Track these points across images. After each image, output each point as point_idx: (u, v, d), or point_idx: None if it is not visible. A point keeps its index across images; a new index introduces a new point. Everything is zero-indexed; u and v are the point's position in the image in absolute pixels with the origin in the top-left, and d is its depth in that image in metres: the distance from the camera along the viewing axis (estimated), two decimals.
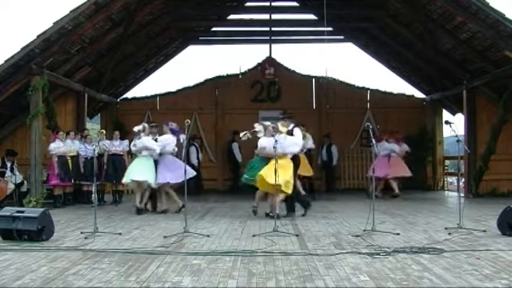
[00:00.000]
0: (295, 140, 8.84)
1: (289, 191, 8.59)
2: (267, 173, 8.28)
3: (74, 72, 12.78)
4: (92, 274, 4.83)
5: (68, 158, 11.19)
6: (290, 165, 8.70)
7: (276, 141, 7.73)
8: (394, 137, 12.88)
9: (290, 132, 8.88)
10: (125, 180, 9.99)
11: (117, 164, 11.50)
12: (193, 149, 14.47)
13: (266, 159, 8.78)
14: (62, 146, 11.09)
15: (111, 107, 15.91)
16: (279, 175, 7.65)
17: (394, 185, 12.53)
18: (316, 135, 13.91)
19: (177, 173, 9.27)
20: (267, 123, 9.10)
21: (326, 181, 15.35)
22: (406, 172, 12.63)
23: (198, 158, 14.58)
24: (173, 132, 9.95)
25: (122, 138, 11.93)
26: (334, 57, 61.75)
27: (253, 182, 8.82)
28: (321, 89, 16.10)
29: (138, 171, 9.72)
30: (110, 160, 11.55)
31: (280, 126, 8.75)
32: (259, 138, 8.87)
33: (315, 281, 4.55)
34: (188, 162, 13.66)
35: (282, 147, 8.28)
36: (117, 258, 5.53)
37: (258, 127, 8.98)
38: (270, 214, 8.59)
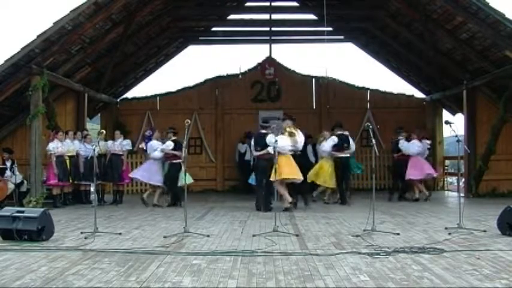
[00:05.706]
0: None
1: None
2: None
3: (74, 72, 12.77)
4: (92, 274, 4.84)
5: (66, 158, 11.19)
6: None
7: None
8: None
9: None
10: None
11: (115, 163, 11.52)
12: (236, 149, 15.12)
13: None
14: (61, 145, 11.08)
15: (111, 107, 15.89)
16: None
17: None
18: (316, 136, 13.87)
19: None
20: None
21: None
22: None
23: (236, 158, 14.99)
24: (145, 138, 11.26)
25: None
26: (334, 57, 61.77)
27: None
28: (321, 89, 16.08)
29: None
30: (108, 160, 11.59)
31: None
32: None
33: (315, 281, 4.55)
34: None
35: None
36: (117, 258, 5.54)
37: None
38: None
